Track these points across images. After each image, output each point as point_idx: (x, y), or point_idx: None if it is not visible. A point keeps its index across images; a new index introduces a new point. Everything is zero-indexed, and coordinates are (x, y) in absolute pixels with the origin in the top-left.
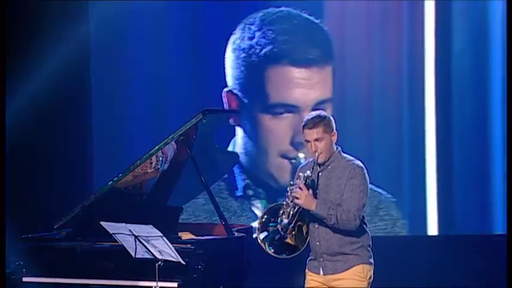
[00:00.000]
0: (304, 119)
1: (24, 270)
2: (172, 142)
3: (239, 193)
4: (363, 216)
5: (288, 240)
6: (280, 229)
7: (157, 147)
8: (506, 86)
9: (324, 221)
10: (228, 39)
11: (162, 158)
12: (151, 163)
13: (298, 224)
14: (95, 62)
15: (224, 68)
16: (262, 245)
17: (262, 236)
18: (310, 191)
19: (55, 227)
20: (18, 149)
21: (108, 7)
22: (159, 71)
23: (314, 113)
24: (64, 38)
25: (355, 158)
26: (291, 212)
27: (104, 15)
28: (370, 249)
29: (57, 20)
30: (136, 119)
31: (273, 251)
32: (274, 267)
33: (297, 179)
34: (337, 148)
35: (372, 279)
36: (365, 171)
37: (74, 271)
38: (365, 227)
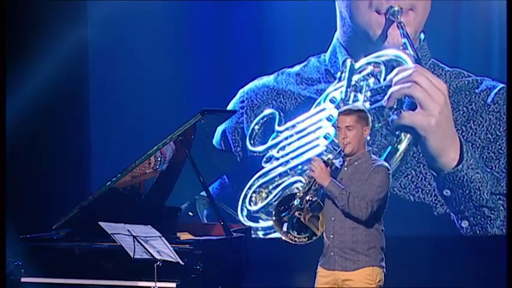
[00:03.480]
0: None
1: (22, 270)
2: (171, 142)
3: None
4: (381, 220)
5: (304, 220)
6: (295, 212)
7: (155, 147)
8: (506, 85)
9: (335, 200)
10: (225, 39)
11: (161, 158)
12: (149, 163)
13: (313, 211)
14: (94, 62)
15: (223, 67)
16: (286, 235)
17: (284, 228)
18: (328, 169)
19: (53, 227)
20: (18, 150)
21: (106, 7)
22: (157, 71)
23: (354, 104)
24: (63, 39)
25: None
26: (303, 191)
27: (103, 16)
28: (382, 252)
29: (56, 21)
30: (135, 119)
31: (296, 233)
32: (273, 268)
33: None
34: (367, 148)
35: (381, 282)
36: (390, 172)
37: (72, 271)
38: (380, 229)
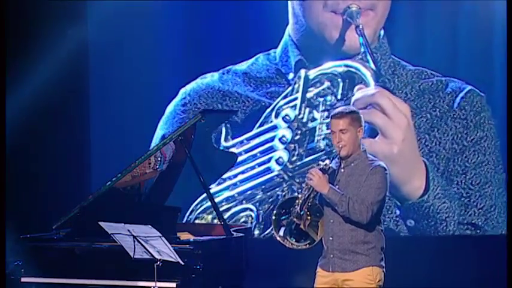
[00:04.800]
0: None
1: (22, 270)
2: (171, 142)
3: None
4: (380, 220)
5: (303, 227)
6: (294, 218)
7: (155, 147)
8: (507, 85)
9: (335, 207)
10: (225, 38)
11: (161, 158)
12: (150, 163)
13: (313, 217)
14: (94, 62)
15: (222, 67)
16: (283, 240)
17: (281, 232)
18: (326, 176)
19: (54, 227)
20: (18, 150)
21: (106, 7)
22: (157, 71)
23: (345, 106)
24: (63, 38)
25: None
26: (303, 198)
27: (103, 16)
28: (382, 252)
29: (56, 21)
30: (135, 119)
31: (294, 240)
32: (273, 268)
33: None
34: (362, 148)
35: (381, 282)
36: (387, 172)
37: (72, 271)
38: (380, 229)
